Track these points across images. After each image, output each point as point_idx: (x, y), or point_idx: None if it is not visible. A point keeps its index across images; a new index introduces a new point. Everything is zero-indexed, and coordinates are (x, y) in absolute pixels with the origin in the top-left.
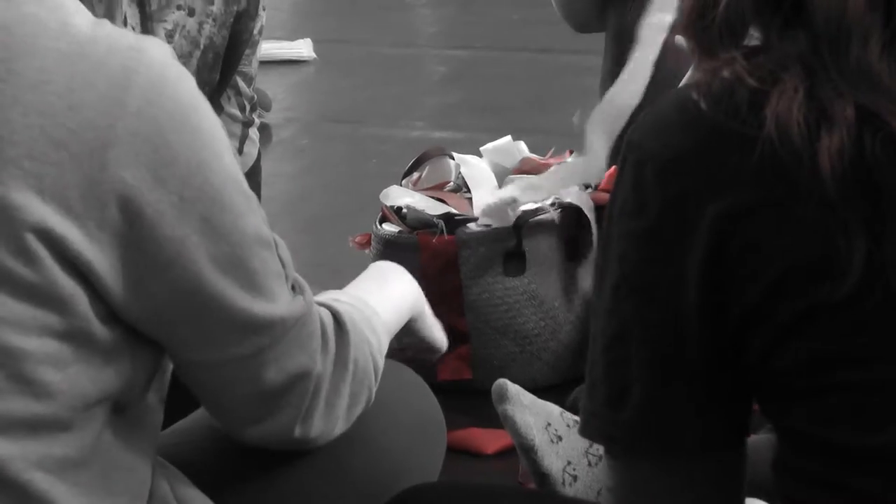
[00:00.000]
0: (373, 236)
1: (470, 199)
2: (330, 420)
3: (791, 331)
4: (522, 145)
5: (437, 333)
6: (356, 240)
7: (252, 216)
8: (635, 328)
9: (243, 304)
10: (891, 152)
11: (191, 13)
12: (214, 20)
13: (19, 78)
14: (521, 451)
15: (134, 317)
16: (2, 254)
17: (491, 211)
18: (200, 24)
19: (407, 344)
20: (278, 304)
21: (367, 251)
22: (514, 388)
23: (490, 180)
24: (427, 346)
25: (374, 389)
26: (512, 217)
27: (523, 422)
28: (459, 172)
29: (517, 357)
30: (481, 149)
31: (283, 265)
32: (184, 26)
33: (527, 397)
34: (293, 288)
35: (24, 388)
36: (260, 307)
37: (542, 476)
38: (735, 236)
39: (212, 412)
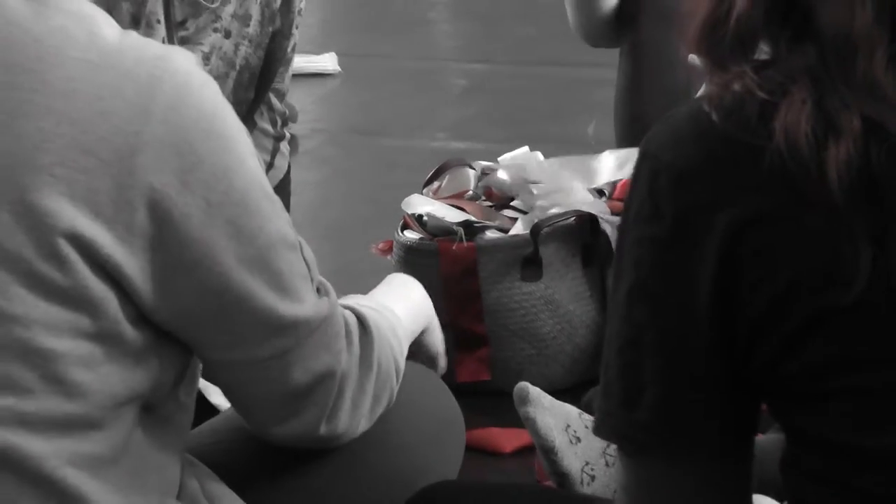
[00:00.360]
0: (395, 243)
1: (490, 206)
2: (355, 418)
3: (799, 336)
4: (539, 155)
5: (441, 348)
6: (378, 247)
7: (277, 219)
8: (649, 332)
9: (270, 304)
10: (894, 163)
11: (227, 35)
12: (250, 41)
13: (50, 88)
14: (542, 451)
15: (163, 318)
16: (34, 258)
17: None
18: (237, 46)
19: (412, 353)
20: (304, 305)
21: (388, 257)
22: (535, 391)
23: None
24: (430, 358)
25: (396, 390)
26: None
27: (544, 423)
28: (479, 182)
29: (534, 359)
30: (499, 159)
31: (308, 267)
32: (220, 48)
33: (547, 399)
34: (318, 290)
35: (56, 388)
36: (286, 308)
37: (562, 476)
38: (745, 244)
39: (239, 411)
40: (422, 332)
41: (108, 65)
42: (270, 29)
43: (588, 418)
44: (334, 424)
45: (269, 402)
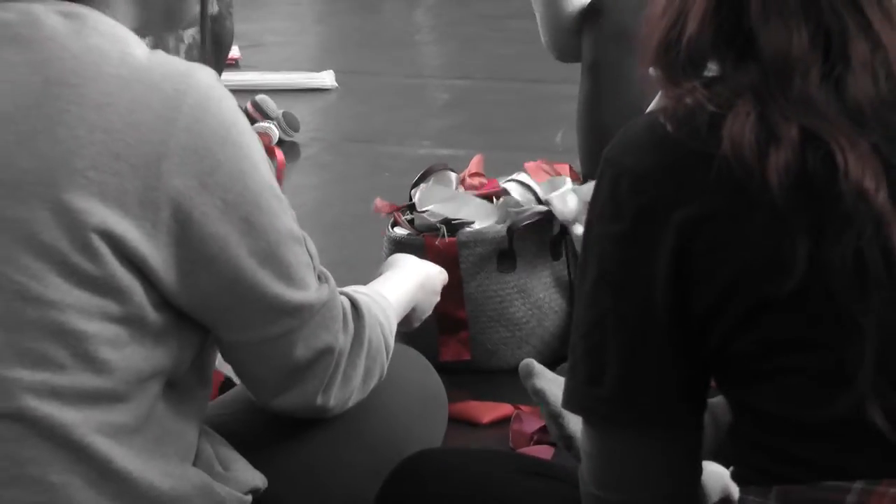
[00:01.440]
0: (385, 237)
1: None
2: (346, 391)
3: (745, 321)
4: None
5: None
6: (379, 204)
7: (284, 216)
8: (611, 317)
9: (278, 291)
10: (829, 168)
11: None
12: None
13: (86, 100)
14: (550, 417)
15: (183, 303)
16: (69, 250)
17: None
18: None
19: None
20: (308, 291)
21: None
22: (539, 366)
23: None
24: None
25: (386, 365)
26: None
27: (552, 393)
28: (458, 184)
29: (508, 341)
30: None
31: (311, 258)
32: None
33: (550, 373)
34: (319, 278)
35: (86, 365)
36: (292, 294)
37: (569, 438)
38: (696, 240)
39: (247, 383)
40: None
41: (138, 80)
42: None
43: None
44: (328, 395)
45: (275, 375)
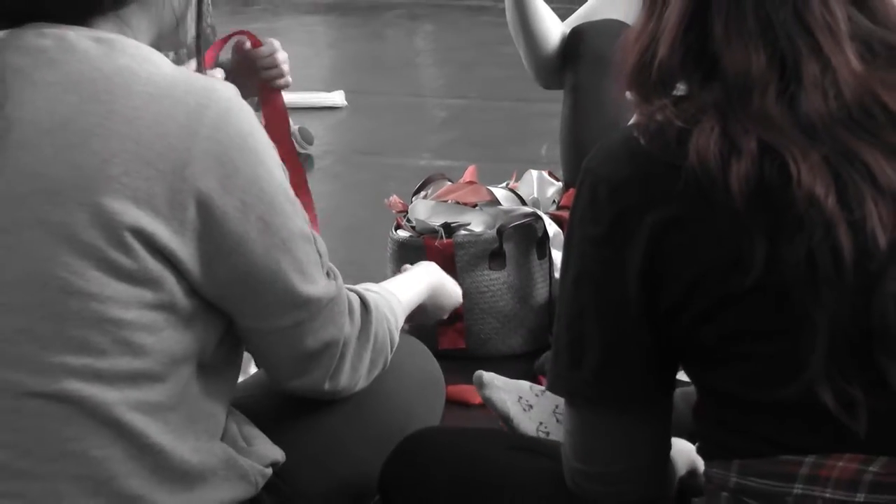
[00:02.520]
0: (389, 239)
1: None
2: (353, 378)
3: (709, 313)
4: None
5: (446, 302)
6: (393, 200)
7: (297, 217)
8: (590, 311)
9: (290, 285)
10: (784, 176)
11: None
12: None
13: (117, 115)
14: (502, 419)
15: (207, 292)
16: (106, 248)
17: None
18: None
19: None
20: (317, 286)
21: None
22: (488, 376)
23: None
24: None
25: (390, 357)
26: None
27: (499, 399)
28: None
29: (499, 331)
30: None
31: (320, 256)
32: None
33: (500, 381)
34: (328, 274)
35: (125, 349)
36: (303, 288)
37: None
38: (666, 241)
39: (263, 368)
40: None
41: (164, 95)
42: None
43: (538, 389)
44: (336, 382)
45: (287, 361)
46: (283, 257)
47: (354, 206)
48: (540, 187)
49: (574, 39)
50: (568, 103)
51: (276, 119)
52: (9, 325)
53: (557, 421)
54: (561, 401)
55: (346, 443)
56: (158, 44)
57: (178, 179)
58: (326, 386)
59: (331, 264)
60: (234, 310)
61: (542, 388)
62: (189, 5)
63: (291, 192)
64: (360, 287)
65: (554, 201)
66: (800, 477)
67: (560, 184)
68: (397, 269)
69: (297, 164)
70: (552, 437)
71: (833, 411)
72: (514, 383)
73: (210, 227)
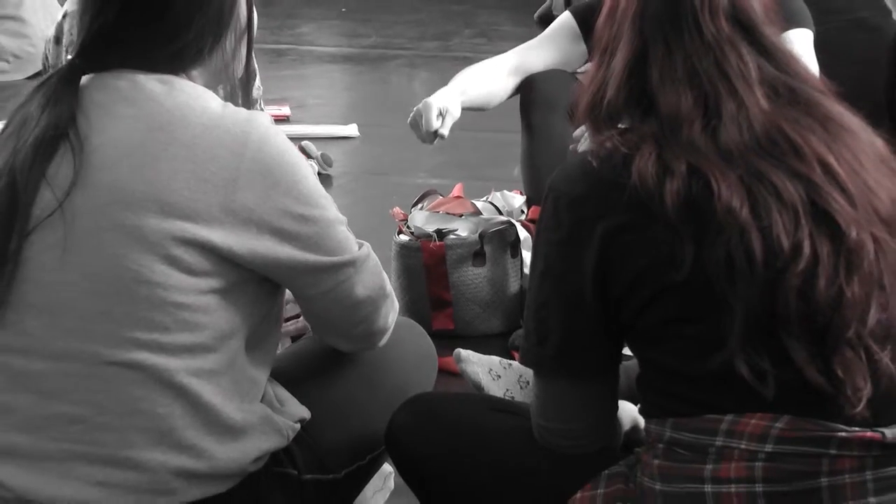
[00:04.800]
0: (393, 242)
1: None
2: (388, 321)
3: (649, 302)
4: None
5: None
6: (396, 211)
7: (331, 207)
8: (553, 300)
9: (332, 258)
10: (707, 192)
11: None
12: None
13: (178, 142)
14: (474, 388)
15: (263, 273)
16: (170, 245)
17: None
18: None
19: None
20: (353, 251)
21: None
22: (465, 353)
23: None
24: None
25: (395, 317)
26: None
27: (472, 371)
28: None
29: (480, 315)
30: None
31: (351, 232)
32: None
33: (475, 356)
34: (360, 245)
35: (184, 327)
36: (342, 256)
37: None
38: (614, 244)
39: (322, 329)
40: None
41: (215, 125)
42: None
43: (507, 362)
44: (385, 323)
45: (343, 313)
46: (325, 240)
47: (365, 216)
48: (508, 202)
49: (527, 88)
50: (525, 137)
51: None
52: (92, 307)
53: (521, 388)
54: (524, 371)
55: (358, 404)
56: (211, 82)
57: (230, 192)
58: (378, 324)
59: (359, 239)
60: (293, 285)
61: (510, 361)
62: (237, 54)
63: (322, 189)
64: None
65: (522, 210)
66: (720, 432)
67: (524, 197)
68: (399, 267)
69: None
70: (517, 400)
71: (747, 379)
72: (487, 358)
73: (260, 229)
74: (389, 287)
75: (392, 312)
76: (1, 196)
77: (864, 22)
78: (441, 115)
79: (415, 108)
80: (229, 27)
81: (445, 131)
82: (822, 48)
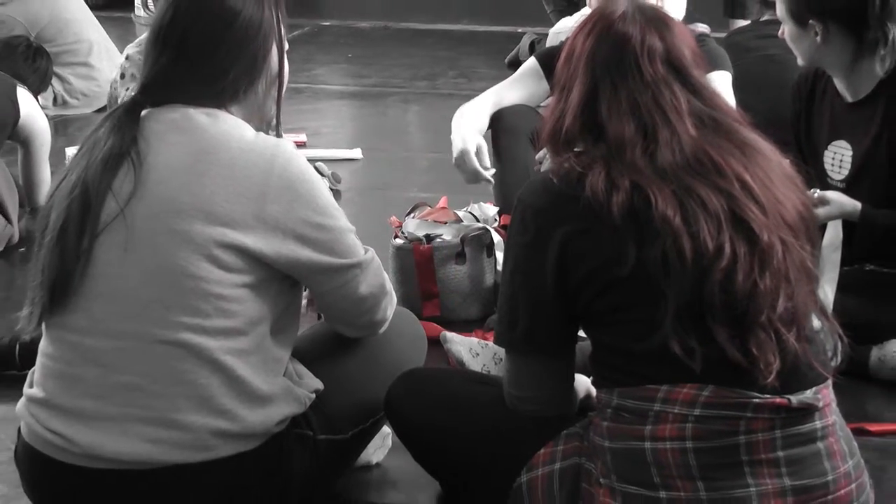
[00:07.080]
0: (390, 246)
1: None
2: (388, 312)
3: (599, 294)
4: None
5: None
6: (393, 220)
7: (342, 218)
8: (521, 292)
9: (342, 260)
10: (647, 204)
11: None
12: None
13: (219, 163)
14: (457, 364)
15: (291, 274)
16: (212, 247)
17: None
18: None
19: None
20: (360, 254)
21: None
22: (450, 335)
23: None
24: None
25: (392, 311)
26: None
27: (456, 350)
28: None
29: (461, 304)
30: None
31: (358, 239)
32: None
33: (458, 338)
34: (366, 251)
35: (221, 314)
36: (351, 259)
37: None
38: (570, 246)
39: (332, 319)
40: None
41: (250, 150)
42: None
43: (483, 343)
44: (384, 315)
45: (350, 306)
46: (335, 243)
47: (367, 224)
48: (484, 211)
49: (496, 119)
50: (495, 160)
51: None
52: (148, 296)
53: (496, 364)
54: (498, 350)
55: (362, 377)
56: (247, 116)
57: (261, 203)
58: (378, 316)
59: (365, 245)
60: (308, 281)
61: (487, 342)
62: (268, 96)
63: (335, 203)
64: None
65: (495, 219)
66: (657, 399)
67: (497, 208)
68: (395, 266)
69: None
70: (492, 373)
71: (679, 356)
72: (467, 340)
73: (283, 233)
74: (389, 285)
75: (391, 307)
76: (75, 203)
77: (774, 57)
78: (478, 152)
79: (457, 150)
80: (261, 75)
81: (489, 175)
82: (741, 78)
